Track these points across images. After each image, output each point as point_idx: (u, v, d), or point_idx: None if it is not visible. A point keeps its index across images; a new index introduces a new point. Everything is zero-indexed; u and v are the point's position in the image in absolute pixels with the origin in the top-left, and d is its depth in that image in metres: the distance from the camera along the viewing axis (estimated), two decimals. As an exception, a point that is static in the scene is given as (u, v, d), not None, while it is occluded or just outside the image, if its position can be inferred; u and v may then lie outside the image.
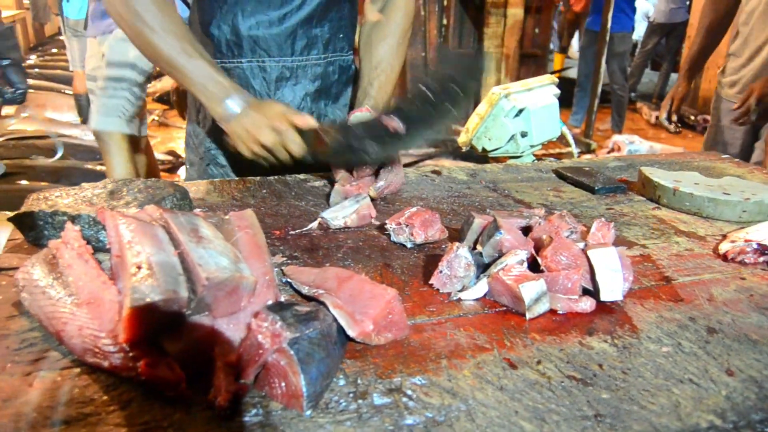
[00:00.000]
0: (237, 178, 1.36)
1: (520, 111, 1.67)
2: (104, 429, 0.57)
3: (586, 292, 0.83)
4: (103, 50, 2.78)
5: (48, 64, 7.01)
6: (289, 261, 0.94)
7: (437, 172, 1.44)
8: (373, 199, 1.17)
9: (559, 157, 4.13)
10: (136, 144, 2.95)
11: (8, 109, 4.97)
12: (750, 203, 1.15)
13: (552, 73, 6.11)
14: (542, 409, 0.62)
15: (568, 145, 2.05)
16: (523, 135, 1.69)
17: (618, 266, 0.82)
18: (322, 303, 0.75)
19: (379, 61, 1.46)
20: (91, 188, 0.99)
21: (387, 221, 1.03)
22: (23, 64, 2.77)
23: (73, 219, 0.89)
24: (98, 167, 3.88)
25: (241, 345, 0.64)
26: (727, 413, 0.62)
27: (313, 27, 1.40)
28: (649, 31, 7.75)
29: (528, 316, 0.78)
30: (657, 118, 2.64)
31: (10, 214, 0.94)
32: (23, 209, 0.92)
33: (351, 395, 0.63)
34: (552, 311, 0.81)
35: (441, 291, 0.85)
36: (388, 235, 1.03)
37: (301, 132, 1.22)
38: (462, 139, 1.77)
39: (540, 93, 1.72)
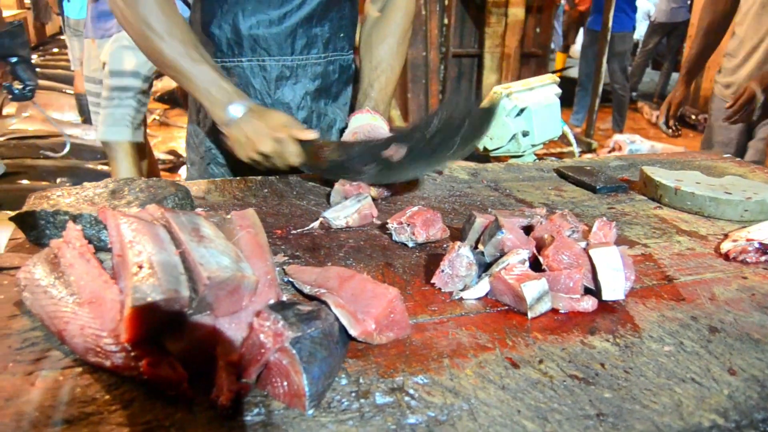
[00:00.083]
0: (238, 178, 1.36)
1: (522, 110, 1.67)
2: (106, 428, 0.57)
3: (587, 291, 0.83)
4: (102, 57, 2.76)
5: (49, 63, 7.01)
6: (290, 260, 0.94)
7: (439, 172, 1.44)
8: (374, 199, 1.17)
9: (560, 156, 4.13)
10: (140, 147, 2.95)
11: (9, 109, 4.97)
12: (751, 202, 1.15)
13: (553, 72, 6.11)
14: (544, 408, 0.62)
15: (569, 144, 2.04)
16: (525, 134, 1.69)
17: (620, 265, 0.82)
18: (324, 302, 0.75)
19: (379, 62, 1.46)
20: (92, 188, 0.99)
21: (388, 220, 1.03)
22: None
23: (75, 218, 0.89)
24: (99, 166, 3.89)
25: (243, 344, 0.64)
26: (730, 412, 0.62)
27: (313, 26, 1.40)
28: (650, 30, 7.75)
29: (530, 315, 0.78)
30: (658, 117, 2.64)
31: (12, 213, 0.94)
32: (25, 209, 0.92)
33: (353, 394, 0.63)
34: (554, 310, 0.80)
35: (443, 290, 0.85)
36: (390, 235, 1.03)
37: (300, 143, 1.22)
38: (463, 139, 1.77)
39: (541, 92, 1.72)
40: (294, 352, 0.60)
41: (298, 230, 1.06)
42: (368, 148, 1.22)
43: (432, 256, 0.97)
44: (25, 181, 3.62)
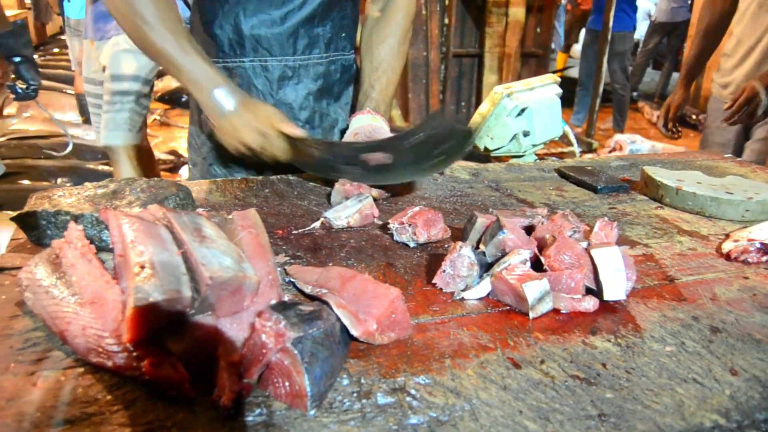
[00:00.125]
0: (240, 178, 1.36)
1: (523, 110, 1.66)
2: (108, 429, 0.57)
3: (589, 291, 0.83)
4: (102, 60, 2.76)
5: (49, 63, 7.01)
6: (292, 260, 0.94)
7: (440, 172, 1.44)
8: (375, 199, 1.17)
9: (561, 156, 4.12)
10: (142, 150, 2.96)
11: (10, 109, 4.98)
12: (753, 202, 1.15)
13: (554, 72, 6.11)
14: (546, 408, 0.62)
15: (570, 144, 2.04)
16: (526, 134, 1.69)
17: (621, 265, 0.82)
18: (326, 302, 0.75)
19: (380, 62, 1.46)
20: (93, 188, 0.99)
21: (390, 221, 1.03)
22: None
23: (76, 218, 0.89)
24: (100, 167, 3.89)
25: (244, 344, 0.64)
26: (731, 413, 0.62)
27: (315, 26, 1.40)
28: (650, 30, 7.76)
29: (531, 315, 0.78)
30: (658, 118, 2.64)
31: (13, 213, 0.94)
32: (26, 209, 0.92)
33: (355, 395, 0.63)
34: (555, 311, 0.80)
35: (444, 290, 0.85)
36: (391, 235, 1.03)
37: (287, 139, 1.23)
38: (464, 139, 1.77)
39: (542, 92, 1.72)
40: (296, 352, 0.60)
41: (300, 230, 1.06)
42: (352, 150, 1.24)
43: (433, 257, 0.97)
44: (26, 182, 3.63)
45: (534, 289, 0.78)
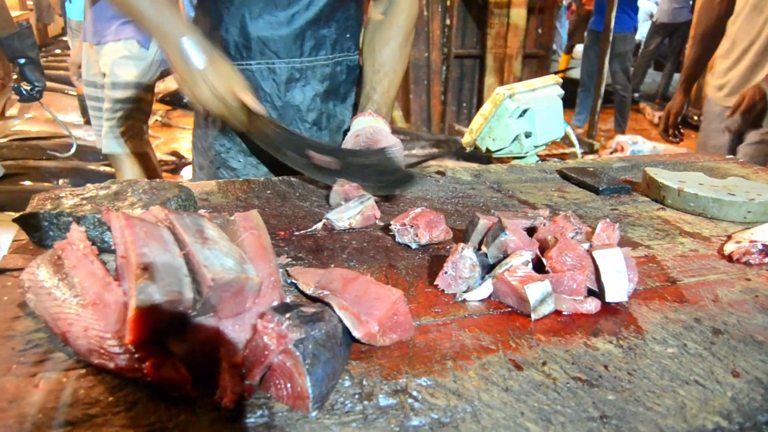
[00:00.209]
0: (241, 179, 1.36)
1: (524, 111, 1.67)
2: (109, 430, 0.57)
3: (591, 293, 0.83)
4: (102, 67, 2.75)
5: (52, 64, 7.02)
6: (294, 262, 0.94)
7: (441, 173, 1.44)
8: (376, 200, 1.17)
9: (562, 157, 4.12)
10: (143, 155, 2.96)
11: (12, 110, 4.99)
12: (755, 204, 1.15)
13: (556, 73, 6.11)
14: (548, 410, 0.62)
15: (571, 145, 2.04)
16: (527, 135, 1.69)
17: (623, 267, 0.82)
18: (328, 304, 0.75)
19: (382, 65, 1.46)
20: (95, 189, 0.99)
21: (391, 222, 1.03)
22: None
23: (78, 220, 0.89)
24: (102, 168, 3.89)
25: (246, 346, 0.64)
26: (733, 414, 0.62)
27: (321, 27, 1.40)
28: (652, 31, 7.75)
29: (533, 317, 0.78)
30: (659, 123, 2.64)
31: (15, 214, 0.94)
32: (28, 210, 0.92)
33: (356, 396, 0.63)
34: (557, 312, 0.80)
35: (446, 292, 0.85)
36: (393, 236, 1.03)
37: (249, 113, 1.26)
38: (466, 140, 1.77)
39: (544, 93, 1.72)
40: (297, 353, 0.60)
41: (301, 231, 1.06)
42: (305, 144, 1.29)
43: (435, 258, 0.97)
44: (28, 183, 3.63)
45: (536, 290, 0.78)
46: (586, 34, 6.96)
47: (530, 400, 0.63)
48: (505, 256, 0.86)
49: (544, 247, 0.89)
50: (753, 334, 0.77)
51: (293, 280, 0.85)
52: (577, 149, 2.03)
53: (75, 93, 4.98)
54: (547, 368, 0.69)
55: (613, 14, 5.31)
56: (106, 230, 0.89)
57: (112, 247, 0.74)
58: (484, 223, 0.95)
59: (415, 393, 0.63)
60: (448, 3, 5.76)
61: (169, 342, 0.64)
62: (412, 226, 0.99)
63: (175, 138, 5.55)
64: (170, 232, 0.73)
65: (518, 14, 5.81)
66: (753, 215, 1.15)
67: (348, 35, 1.47)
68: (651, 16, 8.08)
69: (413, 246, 1.00)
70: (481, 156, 1.81)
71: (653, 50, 7.91)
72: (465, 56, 6.11)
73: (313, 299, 0.80)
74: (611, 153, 4.88)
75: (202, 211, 0.86)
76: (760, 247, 0.98)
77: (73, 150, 3.56)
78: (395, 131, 1.40)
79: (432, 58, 5.95)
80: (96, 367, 0.65)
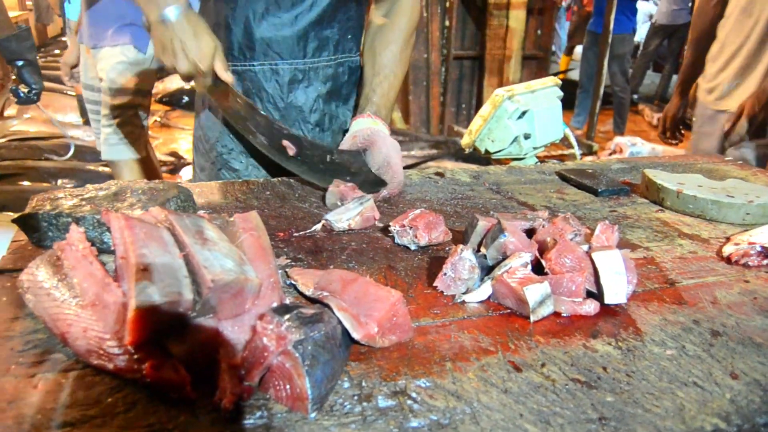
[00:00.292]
0: (240, 180, 1.36)
1: (524, 113, 1.67)
2: (109, 431, 0.57)
3: (590, 294, 0.83)
4: (99, 72, 2.73)
5: (51, 65, 7.02)
6: (293, 263, 0.94)
7: (440, 174, 1.44)
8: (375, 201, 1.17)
9: (561, 158, 4.13)
10: (143, 159, 2.95)
11: (10, 110, 4.98)
12: (753, 206, 1.15)
13: (555, 74, 6.11)
14: (547, 412, 0.62)
15: (570, 146, 2.04)
16: (527, 137, 1.69)
17: (622, 269, 0.82)
18: (327, 305, 0.75)
19: (382, 67, 1.46)
20: (95, 190, 0.99)
21: (391, 223, 1.03)
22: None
23: (78, 220, 0.89)
24: (101, 168, 3.89)
25: (245, 347, 0.64)
26: (732, 416, 0.62)
27: (324, 28, 1.40)
28: (651, 32, 7.76)
29: (532, 318, 0.78)
30: (659, 120, 2.64)
31: (14, 215, 0.94)
32: (27, 210, 0.92)
33: (355, 398, 0.63)
34: (556, 314, 0.81)
35: (445, 293, 0.85)
36: (392, 237, 1.03)
37: (215, 79, 1.26)
38: (465, 141, 1.78)
39: (543, 95, 1.72)
40: (297, 355, 0.60)
41: (301, 233, 1.06)
42: (268, 124, 1.32)
43: (434, 259, 0.97)
44: (26, 183, 3.63)
45: (535, 292, 0.78)
46: (585, 35, 6.97)
47: (529, 402, 0.63)
48: (505, 257, 0.86)
49: (543, 249, 0.89)
50: (751, 336, 0.77)
51: (292, 282, 0.85)
52: (576, 151, 2.03)
53: (74, 93, 4.97)
54: (546, 370, 0.69)
55: (612, 16, 5.32)
56: (105, 231, 0.89)
57: (112, 248, 0.74)
58: (483, 224, 0.95)
59: (414, 394, 0.63)
60: (448, 4, 5.76)
61: (168, 343, 0.64)
62: (411, 228, 1.00)
63: (174, 138, 5.55)
64: (170, 233, 0.73)
65: (517, 16, 5.81)
66: (752, 217, 1.15)
67: (350, 36, 1.47)
68: (650, 17, 8.08)
69: (412, 247, 1.00)
70: (480, 157, 1.81)
71: (652, 52, 7.92)
72: (464, 57, 6.11)
73: (313, 300, 0.80)
74: (610, 154, 4.89)
75: (201, 212, 0.86)
76: (759, 249, 0.98)
77: (71, 152, 3.56)
78: (394, 132, 1.39)
79: (431, 60, 5.95)
80: (95, 368, 0.65)
